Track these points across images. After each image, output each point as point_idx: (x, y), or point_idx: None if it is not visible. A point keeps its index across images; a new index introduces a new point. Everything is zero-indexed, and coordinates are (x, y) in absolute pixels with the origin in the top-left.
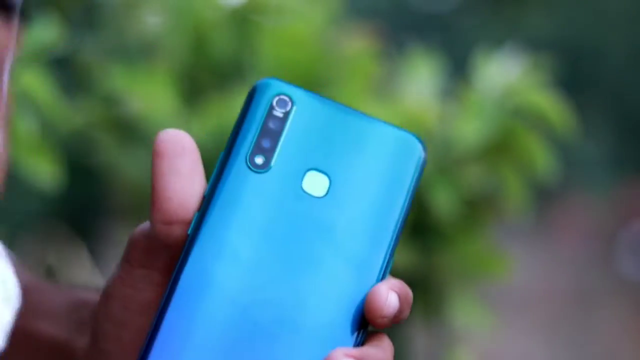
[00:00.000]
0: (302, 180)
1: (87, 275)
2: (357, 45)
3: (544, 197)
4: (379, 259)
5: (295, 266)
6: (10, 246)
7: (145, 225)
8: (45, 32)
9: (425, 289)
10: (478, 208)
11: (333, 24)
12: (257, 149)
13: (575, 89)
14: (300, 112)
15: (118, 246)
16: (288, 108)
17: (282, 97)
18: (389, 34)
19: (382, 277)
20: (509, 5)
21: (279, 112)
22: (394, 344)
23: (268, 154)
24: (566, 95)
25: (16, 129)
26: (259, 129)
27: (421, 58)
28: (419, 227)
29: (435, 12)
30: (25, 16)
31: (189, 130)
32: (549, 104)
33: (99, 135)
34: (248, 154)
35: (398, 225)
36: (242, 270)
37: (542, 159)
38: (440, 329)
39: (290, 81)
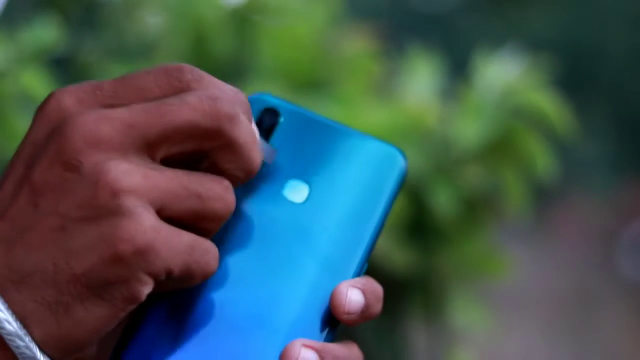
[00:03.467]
0: (283, 187)
1: None
2: (357, 45)
3: (544, 197)
4: (352, 262)
5: (271, 267)
6: None
7: None
8: (45, 32)
9: (425, 289)
10: (478, 208)
11: (333, 24)
12: None
13: (575, 89)
14: (285, 124)
15: None
16: (274, 120)
17: (270, 109)
18: (389, 33)
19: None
20: (508, 5)
21: (265, 125)
22: (393, 343)
23: None
24: (566, 95)
25: (16, 130)
26: None
27: (421, 58)
28: (419, 227)
29: (435, 12)
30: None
31: None
32: (549, 104)
33: None
34: None
35: (374, 232)
36: (218, 268)
37: (542, 159)
38: (440, 329)
39: (290, 81)
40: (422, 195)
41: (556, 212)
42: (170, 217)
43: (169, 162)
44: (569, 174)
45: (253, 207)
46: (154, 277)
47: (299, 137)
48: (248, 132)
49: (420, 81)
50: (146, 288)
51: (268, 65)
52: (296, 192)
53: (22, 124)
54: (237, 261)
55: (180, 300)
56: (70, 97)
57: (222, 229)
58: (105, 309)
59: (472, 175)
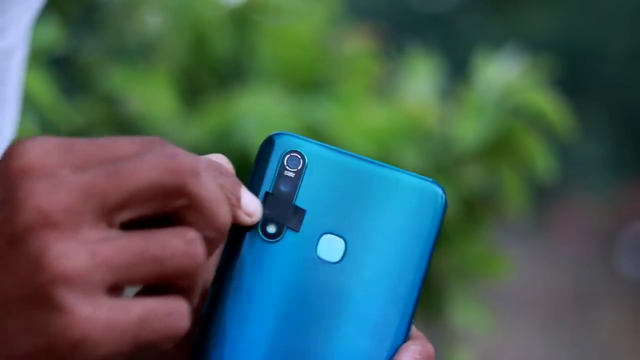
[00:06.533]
0: (316, 245)
1: None
2: (357, 46)
3: (544, 197)
4: (399, 323)
5: (311, 338)
6: None
7: None
8: (45, 32)
9: (426, 289)
10: (478, 208)
11: (333, 24)
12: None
13: (574, 89)
14: (312, 169)
15: None
16: (300, 166)
17: (293, 154)
18: (389, 34)
19: (403, 341)
20: (508, 5)
21: (290, 172)
22: None
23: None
24: (565, 95)
25: (16, 129)
26: (270, 193)
27: (421, 58)
28: None
29: (434, 12)
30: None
31: (188, 129)
32: (549, 104)
33: (99, 135)
34: (260, 223)
35: (419, 284)
36: (255, 344)
37: (541, 159)
38: (440, 329)
39: (290, 81)
40: None
41: (556, 212)
42: (131, 284)
43: (134, 223)
44: (568, 174)
45: (288, 277)
46: None
47: (328, 182)
48: (212, 187)
49: (420, 81)
50: None
51: (268, 65)
52: (331, 249)
53: (22, 123)
54: (274, 337)
55: None
56: (36, 153)
57: (256, 306)
58: None
59: (472, 175)
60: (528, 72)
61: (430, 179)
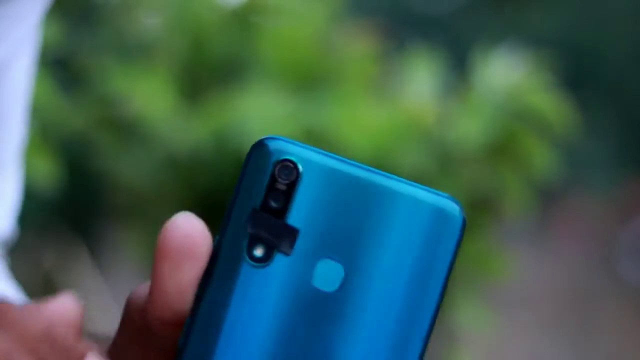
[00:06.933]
0: (311, 272)
1: (86, 274)
2: (357, 45)
3: (545, 197)
4: None
5: None
6: (10, 245)
7: (140, 294)
8: (45, 32)
9: None
10: (479, 208)
11: (333, 24)
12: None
13: (576, 90)
14: (308, 181)
15: (118, 246)
16: (293, 177)
17: (286, 163)
18: (390, 33)
19: None
20: (509, 5)
21: (281, 184)
22: None
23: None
24: (568, 94)
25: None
26: (257, 210)
27: (421, 58)
28: None
29: (435, 12)
30: None
31: (187, 131)
32: (550, 105)
33: (99, 135)
34: (245, 245)
35: (430, 320)
36: None
37: (542, 159)
38: (442, 328)
39: (290, 81)
40: None
41: (557, 213)
42: None
43: None
44: (569, 174)
45: (277, 309)
46: None
47: (326, 196)
48: None
49: (420, 81)
50: None
51: (268, 65)
52: (328, 277)
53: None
54: None
55: None
56: None
57: (235, 344)
58: None
59: (473, 176)
60: (529, 73)
61: (446, 194)
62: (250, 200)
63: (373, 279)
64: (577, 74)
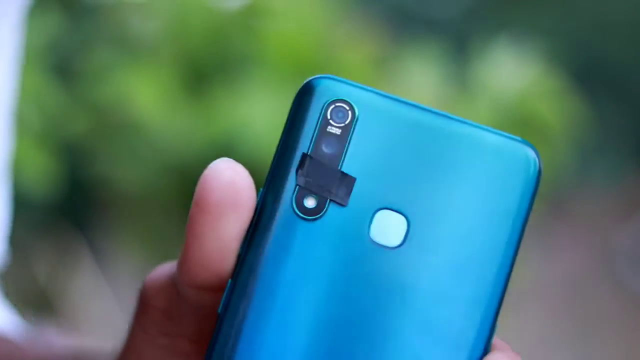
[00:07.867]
0: (369, 225)
1: (86, 275)
2: (359, 48)
3: (545, 199)
4: (478, 328)
5: (361, 345)
6: (11, 244)
7: (160, 274)
8: (45, 32)
9: None
10: None
11: (334, 25)
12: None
13: (582, 90)
14: (364, 124)
15: (118, 246)
16: (348, 119)
17: (340, 104)
18: (391, 35)
19: (483, 353)
20: (512, 8)
21: (335, 128)
22: None
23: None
24: (573, 98)
25: (16, 128)
26: (308, 156)
27: (423, 60)
28: None
29: (437, 15)
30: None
31: (188, 131)
32: (554, 111)
33: (99, 135)
34: (294, 196)
35: (505, 277)
36: (288, 351)
37: (545, 163)
38: None
39: (292, 85)
40: None
41: (558, 213)
42: None
43: None
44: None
45: (330, 267)
46: None
47: (385, 141)
48: None
49: (421, 84)
50: None
51: (269, 68)
52: (389, 230)
53: (22, 122)
54: (306, 343)
55: None
56: None
57: (286, 306)
58: None
59: None
60: (535, 78)
61: (520, 138)
62: (300, 145)
63: (441, 232)
64: (578, 78)
